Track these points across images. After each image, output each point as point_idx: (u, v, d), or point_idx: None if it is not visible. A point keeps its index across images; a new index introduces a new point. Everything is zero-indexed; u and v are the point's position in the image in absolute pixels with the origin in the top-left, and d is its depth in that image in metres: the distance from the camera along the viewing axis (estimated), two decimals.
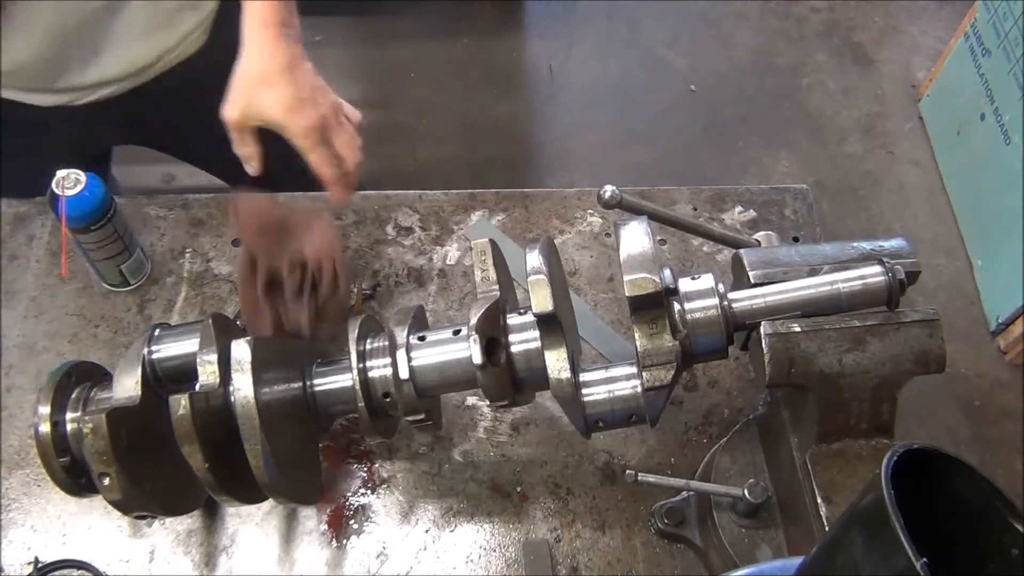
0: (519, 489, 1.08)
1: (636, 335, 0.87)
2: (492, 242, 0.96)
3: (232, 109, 1.02)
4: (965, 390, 2.34)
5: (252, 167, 1.06)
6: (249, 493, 0.91)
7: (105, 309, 1.21)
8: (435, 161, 2.80)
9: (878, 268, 0.88)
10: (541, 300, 0.87)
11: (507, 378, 0.91)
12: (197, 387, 0.88)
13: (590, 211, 1.33)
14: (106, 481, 0.86)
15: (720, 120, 2.93)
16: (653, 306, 0.87)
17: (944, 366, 0.87)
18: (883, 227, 2.66)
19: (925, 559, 0.46)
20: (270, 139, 1.04)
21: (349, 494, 1.07)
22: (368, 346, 0.95)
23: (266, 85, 1.01)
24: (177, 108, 1.32)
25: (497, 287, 0.93)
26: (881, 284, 0.87)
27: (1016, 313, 2.31)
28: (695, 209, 1.34)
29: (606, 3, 3.21)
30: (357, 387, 0.92)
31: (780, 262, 0.92)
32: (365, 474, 1.09)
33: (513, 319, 0.93)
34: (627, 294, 0.86)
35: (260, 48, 1.02)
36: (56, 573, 1.00)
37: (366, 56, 3.09)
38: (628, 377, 0.92)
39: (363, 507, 1.06)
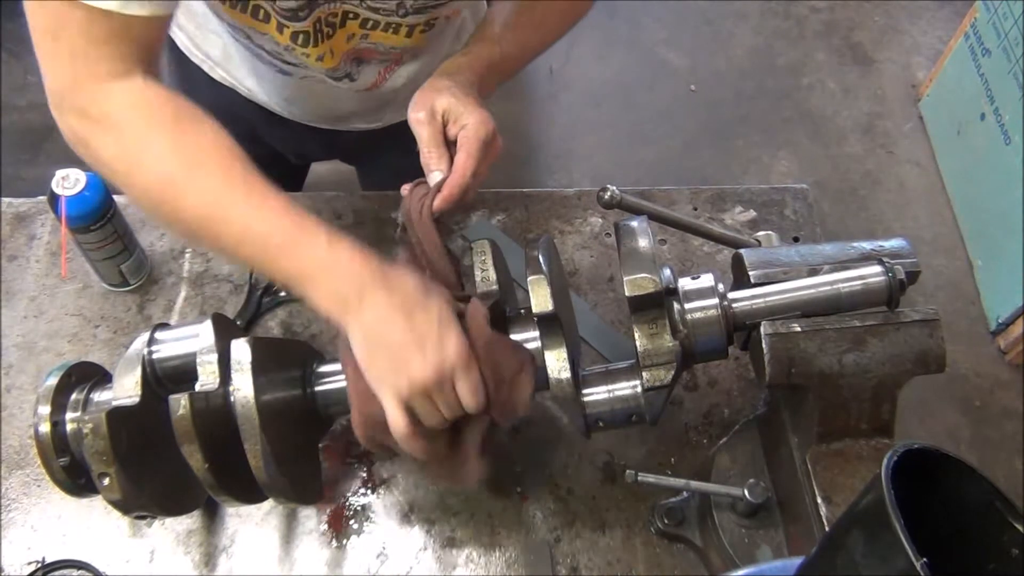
0: (519, 489, 1.08)
1: (636, 335, 0.87)
2: (492, 242, 0.96)
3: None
4: (965, 390, 2.34)
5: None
6: (249, 493, 0.90)
7: (105, 309, 1.21)
8: None
9: (878, 268, 0.88)
10: (541, 300, 0.87)
11: None
12: (197, 387, 0.88)
13: (590, 211, 1.33)
14: (106, 481, 0.86)
15: (720, 120, 2.93)
16: (653, 306, 0.87)
17: (944, 366, 0.87)
18: (883, 227, 2.66)
19: (925, 559, 0.46)
20: None
21: (349, 494, 1.07)
22: None
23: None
24: (397, 145, 1.35)
25: (497, 287, 0.93)
26: (881, 284, 0.87)
27: (1016, 313, 2.31)
28: (695, 209, 1.34)
29: (606, 3, 3.21)
30: None
31: (780, 262, 0.92)
32: (365, 474, 1.09)
33: (513, 319, 0.93)
34: (627, 294, 0.86)
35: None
36: (56, 573, 1.00)
37: None
38: (628, 377, 0.92)
39: (363, 507, 1.06)
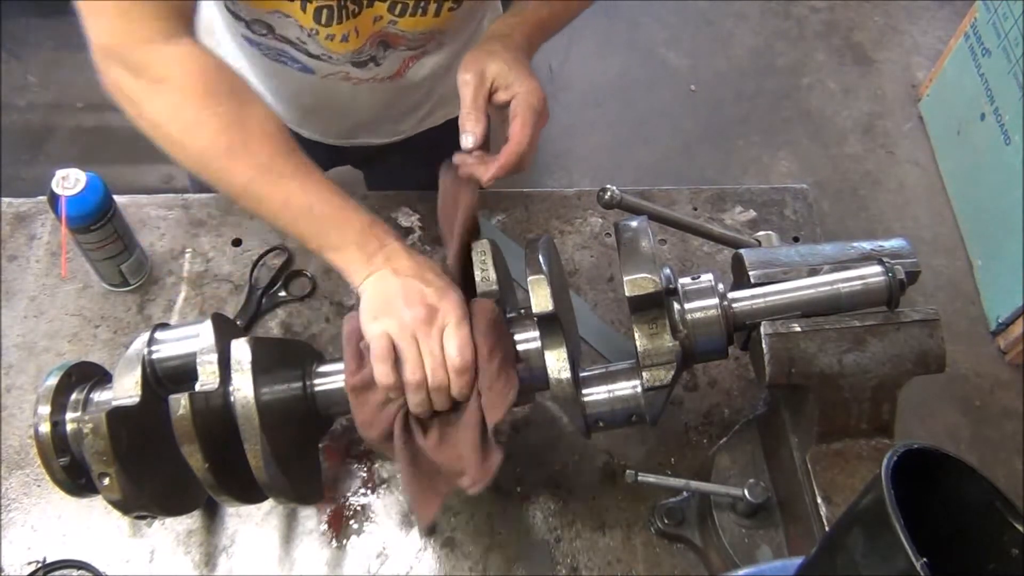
0: (519, 489, 1.08)
1: (636, 335, 0.87)
2: (492, 242, 0.96)
3: None
4: (965, 390, 2.34)
5: None
6: (249, 493, 0.91)
7: (105, 309, 1.21)
8: None
9: (878, 268, 0.88)
10: (541, 300, 0.87)
11: None
12: (197, 387, 0.88)
13: (590, 211, 1.33)
14: (106, 481, 0.86)
15: (720, 120, 2.93)
16: (653, 306, 0.87)
17: (944, 366, 0.87)
18: (883, 227, 2.66)
19: (925, 559, 0.46)
20: None
21: (349, 494, 1.07)
22: None
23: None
24: (408, 157, 1.36)
25: (497, 287, 0.93)
26: (881, 284, 0.87)
27: (1016, 313, 2.31)
28: (695, 209, 1.34)
29: (606, 3, 3.21)
30: None
31: (780, 262, 0.92)
32: (365, 474, 1.09)
33: (513, 319, 0.93)
34: (627, 294, 0.86)
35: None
36: (56, 573, 1.00)
37: None
38: (628, 377, 0.92)
39: (363, 507, 1.06)
